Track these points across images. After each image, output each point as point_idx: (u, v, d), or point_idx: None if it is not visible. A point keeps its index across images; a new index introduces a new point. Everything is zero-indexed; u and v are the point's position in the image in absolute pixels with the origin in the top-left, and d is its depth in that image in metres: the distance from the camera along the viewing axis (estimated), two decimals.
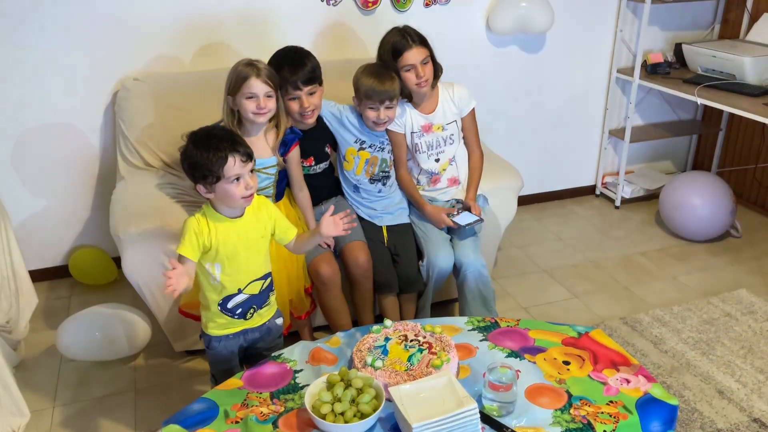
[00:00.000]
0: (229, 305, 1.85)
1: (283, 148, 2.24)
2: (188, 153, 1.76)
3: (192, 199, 2.40)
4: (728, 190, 3.27)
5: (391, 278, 2.39)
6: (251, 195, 1.78)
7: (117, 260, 3.00)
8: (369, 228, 2.45)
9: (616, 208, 3.78)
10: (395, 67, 2.35)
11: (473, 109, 2.53)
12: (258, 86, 2.08)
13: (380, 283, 2.39)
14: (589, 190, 3.96)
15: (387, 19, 3.10)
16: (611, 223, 3.64)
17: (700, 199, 3.24)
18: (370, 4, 3.05)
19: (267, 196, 2.23)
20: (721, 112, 3.76)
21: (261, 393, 1.65)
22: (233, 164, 1.72)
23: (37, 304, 2.60)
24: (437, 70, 2.44)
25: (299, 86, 2.21)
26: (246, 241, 1.83)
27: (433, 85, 2.45)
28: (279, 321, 2.01)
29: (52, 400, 2.31)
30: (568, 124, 3.73)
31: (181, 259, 1.76)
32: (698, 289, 2.96)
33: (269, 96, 2.11)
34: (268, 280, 1.92)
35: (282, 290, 2.20)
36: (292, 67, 2.21)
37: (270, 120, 2.18)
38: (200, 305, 1.92)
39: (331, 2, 3.00)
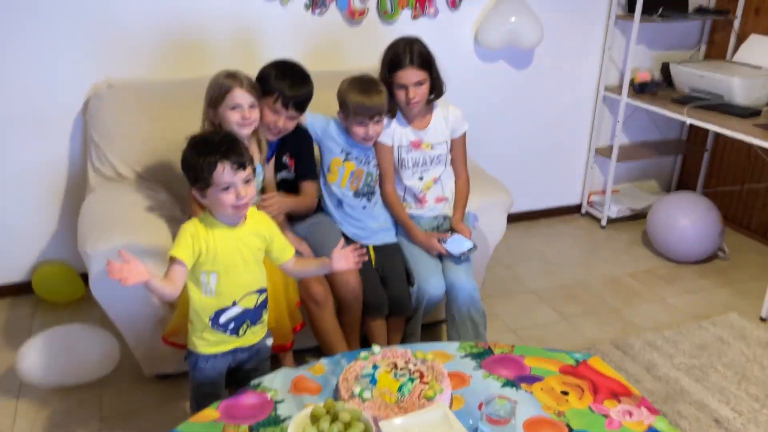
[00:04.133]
0: (221, 320, 1.75)
1: (269, 153, 2.16)
2: (185, 154, 1.71)
3: (168, 214, 2.27)
4: (716, 211, 3.23)
5: (381, 300, 2.28)
6: (243, 205, 1.70)
7: (84, 276, 2.86)
8: None
9: (602, 227, 3.72)
10: (387, 80, 2.26)
11: (464, 133, 2.44)
12: (242, 96, 2.01)
13: (369, 305, 2.27)
14: (575, 209, 3.90)
15: (374, 30, 3.02)
16: (598, 242, 3.58)
17: (689, 220, 3.19)
18: (356, 15, 2.96)
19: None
20: (706, 132, 3.73)
21: (239, 426, 1.52)
22: (222, 171, 1.64)
23: None
24: (437, 90, 2.34)
25: (288, 105, 2.14)
26: (244, 251, 1.75)
27: (431, 102, 2.36)
28: (269, 342, 1.92)
29: (9, 430, 2.14)
30: (555, 141, 3.67)
31: (172, 262, 1.64)
32: (688, 312, 2.89)
33: (252, 107, 2.04)
34: (264, 295, 1.83)
35: (273, 304, 2.09)
36: (292, 84, 2.14)
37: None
38: (188, 322, 1.80)
39: (317, 11, 2.90)
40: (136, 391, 2.32)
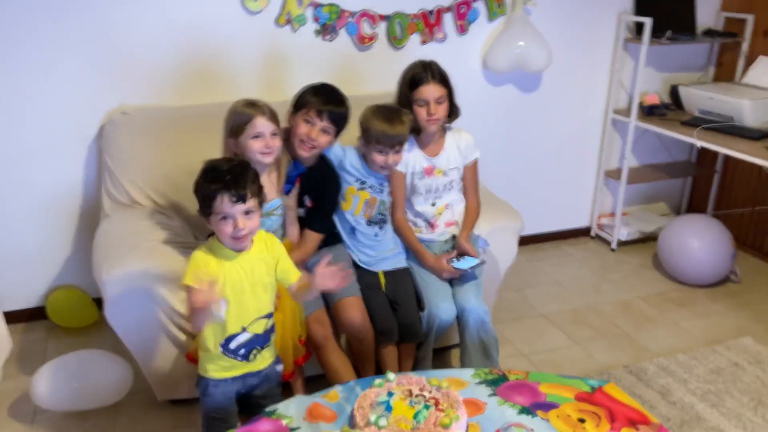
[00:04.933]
0: (232, 345, 1.77)
1: (289, 185, 2.16)
2: (196, 179, 1.75)
3: (183, 240, 2.28)
4: (728, 234, 3.22)
5: (391, 326, 2.27)
6: (242, 237, 1.71)
7: (98, 302, 2.88)
8: (365, 274, 2.34)
9: (612, 250, 3.71)
10: (409, 98, 2.28)
11: (476, 159, 2.46)
12: (264, 125, 2.01)
13: (380, 332, 2.26)
14: (584, 232, 3.90)
15: (383, 55, 3.05)
16: (608, 266, 3.57)
17: (700, 243, 3.18)
18: (366, 41, 3.00)
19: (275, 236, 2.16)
20: (716, 154, 3.73)
21: None
22: (221, 202, 1.67)
23: (11, 349, 2.44)
24: (454, 112, 2.37)
25: (322, 116, 2.14)
26: (252, 277, 1.76)
27: (448, 124, 2.38)
28: (279, 368, 1.93)
29: None
30: (564, 164, 3.68)
31: (189, 290, 1.65)
32: (702, 336, 2.87)
33: (274, 134, 2.03)
34: (271, 320, 1.84)
35: (280, 338, 2.09)
36: (327, 99, 2.17)
37: None
38: (198, 346, 1.80)
39: (327, 37, 2.94)
40: (150, 416, 2.32)
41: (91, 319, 2.84)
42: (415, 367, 2.39)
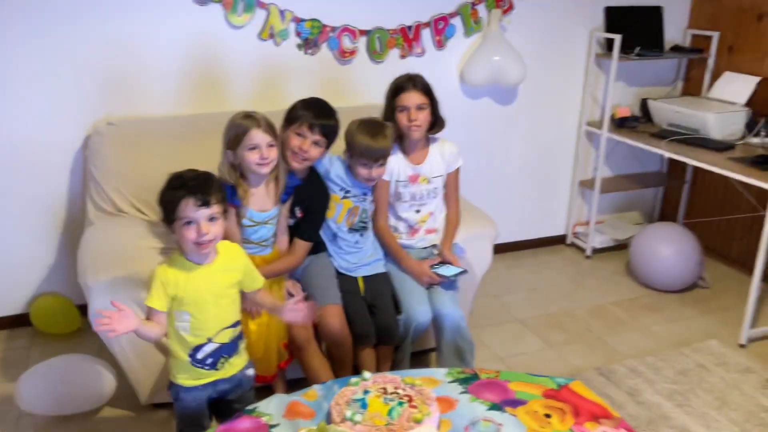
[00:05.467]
0: (199, 356, 1.80)
1: (285, 196, 2.24)
2: (161, 189, 1.78)
3: (166, 246, 2.34)
4: (696, 242, 3.34)
5: (369, 330, 2.34)
6: (205, 243, 1.73)
7: (81, 308, 2.93)
8: (344, 280, 2.42)
9: (587, 257, 3.82)
10: (393, 106, 2.38)
11: (459, 168, 2.55)
12: (260, 137, 2.08)
13: (357, 335, 2.34)
14: (560, 240, 4.00)
15: (363, 69, 3.15)
16: (583, 272, 3.67)
17: (670, 250, 3.30)
18: (347, 55, 3.09)
19: (266, 246, 2.24)
20: (685, 165, 3.86)
21: None
22: (185, 206, 1.71)
23: None
24: (437, 124, 2.46)
25: (314, 129, 2.22)
26: (215, 289, 1.80)
27: (431, 133, 2.47)
28: (250, 372, 1.96)
29: None
30: (539, 174, 3.79)
31: (150, 311, 1.71)
32: (670, 339, 2.98)
33: (271, 146, 2.10)
34: (238, 328, 1.88)
35: (260, 343, 2.16)
36: (318, 113, 2.25)
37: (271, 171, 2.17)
38: (169, 354, 1.85)
39: (309, 51, 3.03)
40: (133, 419, 2.37)
41: (74, 325, 2.88)
42: (393, 369, 2.46)
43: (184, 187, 1.71)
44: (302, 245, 2.34)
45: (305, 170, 2.34)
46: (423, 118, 2.40)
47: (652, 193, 4.17)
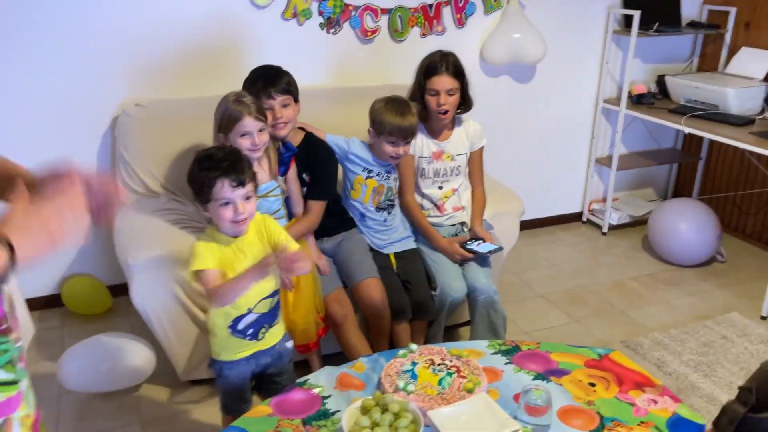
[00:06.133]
0: (240, 326, 1.82)
1: (283, 167, 2.25)
2: (190, 170, 1.79)
3: (199, 225, 2.36)
4: (714, 217, 3.38)
5: (405, 305, 2.38)
6: (242, 221, 1.76)
7: (111, 289, 2.96)
8: (377, 257, 2.45)
9: (603, 234, 3.86)
10: (423, 86, 2.39)
11: (482, 147, 2.57)
12: (251, 124, 2.08)
13: (394, 310, 2.37)
14: (576, 217, 4.04)
15: (385, 48, 3.16)
16: (600, 249, 3.71)
17: (688, 225, 3.34)
18: (369, 34, 3.10)
19: (279, 218, 2.24)
20: (701, 141, 3.90)
21: (292, 420, 1.62)
22: (221, 188, 1.71)
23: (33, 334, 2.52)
24: (467, 104, 2.47)
25: (272, 95, 2.23)
26: (253, 260, 1.81)
27: (459, 113, 2.49)
28: (289, 344, 1.99)
29: None
30: (556, 152, 3.82)
31: (202, 274, 1.71)
32: (691, 313, 3.03)
33: (262, 131, 2.11)
34: (276, 297, 1.90)
35: (298, 312, 2.19)
36: (267, 79, 2.25)
37: None
38: (208, 332, 1.88)
39: (331, 31, 3.03)
40: (173, 396, 2.41)
41: (105, 306, 2.91)
42: (427, 343, 2.50)
43: (219, 168, 1.72)
44: (316, 205, 2.36)
45: (296, 136, 2.35)
46: (452, 102, 2.41)
47: (666, 170, 4.20)
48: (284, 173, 2.28)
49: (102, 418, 2.30)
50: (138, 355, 2.35)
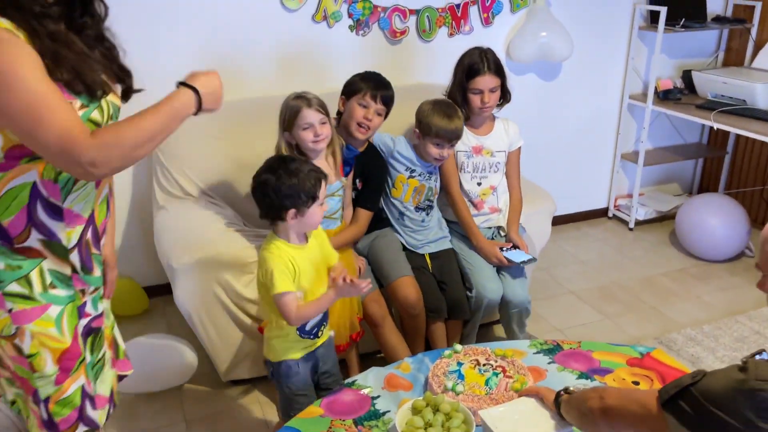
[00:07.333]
0: (307, 327, 1.88)
1: (347, 167, 2.32)
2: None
3: (239, 228, 2.40)
4: (743, 211, 3.38)
5: (440, 304, 2.41)
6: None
7: (148, 290, 3.01)
8: (412, 257, 2.48)
9: (630, 229, 3.87)
10: (464, 86, 2.42)
11: (520, 148, 2.59)
12: (312, 115, 2.15)
13: (429, 309, 2.40)
14: (602, 213, 4.05)
15: (413, 48, 3.18)
16: (627, 244, 3.72)
17: (717, 220, 3.34)
18: (398, 35, 3.12)
19: (335, 217, 2.32)
20: (726, 135, 3.89)
21: (344, 420, 1.65)
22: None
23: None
24: (505, 97, 2.50)
25: (376, 98, 2.32)
26: (316, 264, 1.88)
27: (498, 107, 2.52)
28: (332, 333, 2.04)
29: None
30: (582, 149, 3.82)
31: (283, 297, 1.75)
32: (724, 308, 3.03)
33: (323, 123, 2.17)
34: None
35: (335, 314, 2.23)
36: (377, 83, 2.35)
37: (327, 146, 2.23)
38: (269, 338, 1.92)
39: (361, 32, 3.06)
40: (215, 396, 2.46)
41: (142, 307, 2.96)
42: (461, 342, 2.53)
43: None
44: (365, 214, 2.42)
45: (364, 143, 2.41)
46: (495, 98, 2.45)
47: (692, 165, 4.20)
48: (348, 174, 2.34)
49: (147, 418, 2.35)
50: (181, 356, 2.39)
